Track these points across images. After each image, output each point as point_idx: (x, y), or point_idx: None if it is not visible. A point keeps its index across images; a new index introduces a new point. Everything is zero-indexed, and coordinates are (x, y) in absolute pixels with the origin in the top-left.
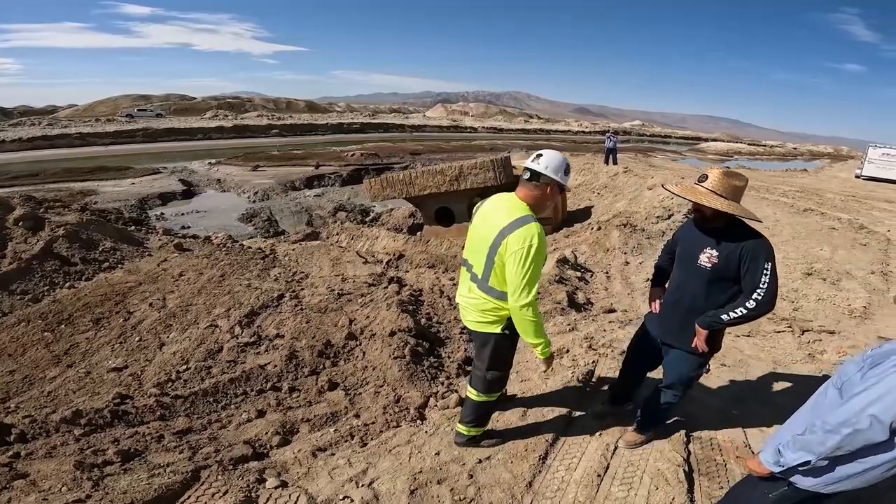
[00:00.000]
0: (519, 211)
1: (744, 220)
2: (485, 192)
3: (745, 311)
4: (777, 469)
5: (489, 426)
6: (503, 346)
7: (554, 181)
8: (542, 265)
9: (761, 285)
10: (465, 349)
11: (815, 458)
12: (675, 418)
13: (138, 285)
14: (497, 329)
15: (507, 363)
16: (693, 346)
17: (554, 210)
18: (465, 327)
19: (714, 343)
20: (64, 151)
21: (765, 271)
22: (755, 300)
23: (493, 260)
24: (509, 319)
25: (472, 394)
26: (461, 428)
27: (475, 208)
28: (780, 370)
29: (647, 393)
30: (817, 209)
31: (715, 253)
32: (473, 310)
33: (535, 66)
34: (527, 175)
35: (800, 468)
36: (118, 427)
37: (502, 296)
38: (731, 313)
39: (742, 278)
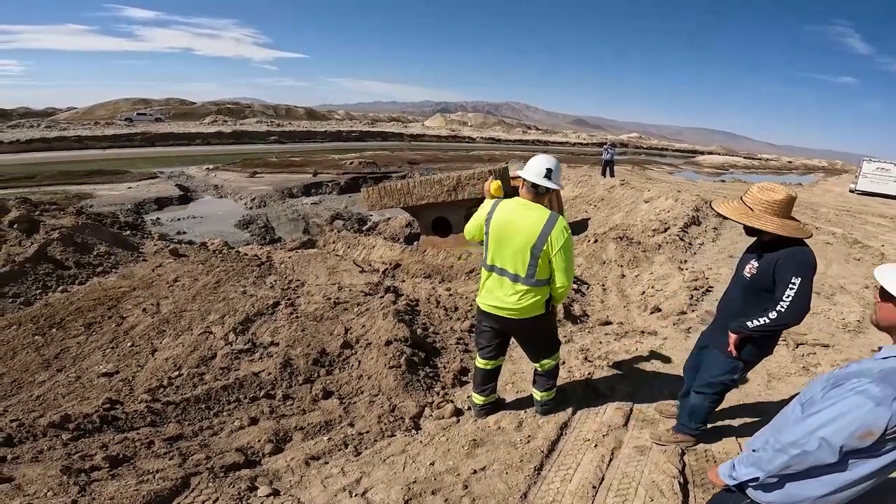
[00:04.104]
0: (544, 211)
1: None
2: (482, 203)
3: (766, 321)
4: (731, 482)
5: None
6: (551, 318)
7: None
8: None
9: (784, 298)
10: (461, 360)
11: (763, 475)
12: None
13: (132, 290)
14: (543, 310)
15: (555, 326)
16: (728, 350)
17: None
18: (460, 338)
19: (755, 352)
20: (61, 154)
21: (791, 286)
22: (777, 312)
23: (538, 257)
24: (547, 300)
25: (551, 361)
26: (545, 395)
27: (486, 215)
28: (775, 383)
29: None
30: (812, 223)
31: (756, 264)
32: (520, 305)
33: (534, 77)
34: (542, 190)
35: (750, 483)
36: (107, 432)
37: (546, 282)
38: (755, 321)
39: (775, 289)
